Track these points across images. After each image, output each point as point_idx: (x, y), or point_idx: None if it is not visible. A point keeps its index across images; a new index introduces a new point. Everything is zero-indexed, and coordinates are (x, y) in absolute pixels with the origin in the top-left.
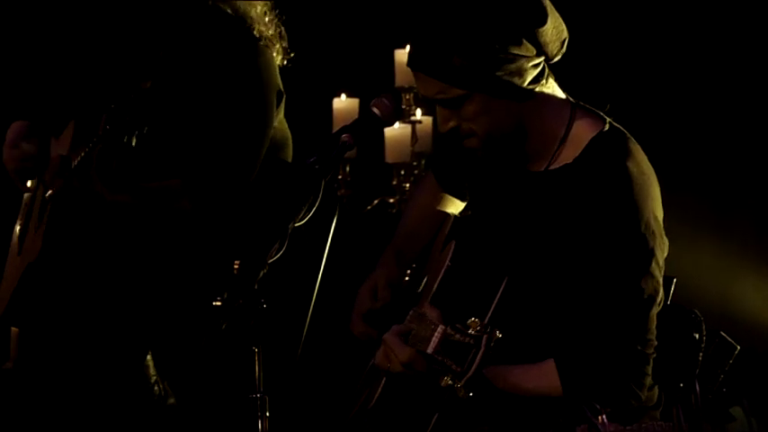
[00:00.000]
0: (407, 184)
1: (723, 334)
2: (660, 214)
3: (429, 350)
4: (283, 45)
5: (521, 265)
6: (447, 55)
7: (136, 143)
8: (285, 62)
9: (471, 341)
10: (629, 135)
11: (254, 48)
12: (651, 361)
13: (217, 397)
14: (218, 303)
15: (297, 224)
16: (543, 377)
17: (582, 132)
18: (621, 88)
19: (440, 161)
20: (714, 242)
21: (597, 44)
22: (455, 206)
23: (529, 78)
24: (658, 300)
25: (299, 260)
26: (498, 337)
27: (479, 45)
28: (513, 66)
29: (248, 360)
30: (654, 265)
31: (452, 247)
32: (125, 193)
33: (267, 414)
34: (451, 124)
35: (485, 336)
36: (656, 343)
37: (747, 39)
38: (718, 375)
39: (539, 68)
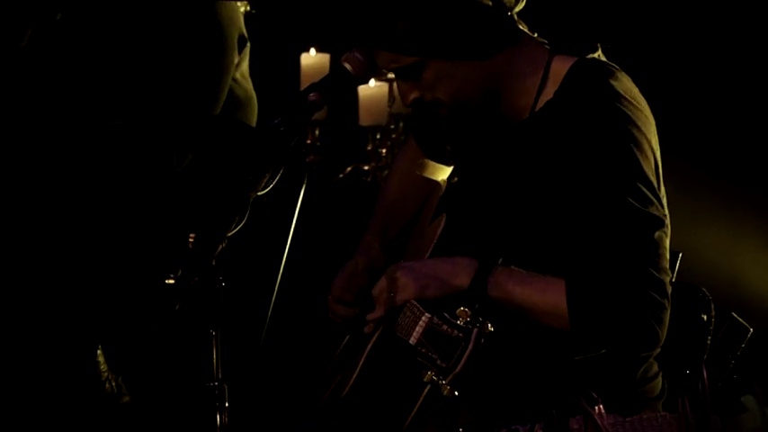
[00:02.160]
0: (384, 150)
1: (734, 315)
2: (656, 146)
3: (412, 340)
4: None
5: (516, 238)
6: (388, 20)
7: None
8: (249, 8)
9: (460, 334)
10: (614, 64)
11: None
12: (668, 294)
13: (171, 386)
14: (171, 281)
15: (259, 193)
16: (553, 288)
17: (560, 68)
18: (628, 63)
19: (418, 124)
20: (725, 213)
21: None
22: (442, 172)
23: (488, 34)
24: (663, 221)
25: (262, 234)
26: (490, 331)
27: (423, 4)
28: (466, 23)
29: (205, 345)
30: (647, 182)
31: (443, 220)
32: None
33: (226, 404)
34: (413, 96)
35: (475, 329)
36: (670, 274)
37: (754, 20)
38: (729, 361)
39: (500, 20)
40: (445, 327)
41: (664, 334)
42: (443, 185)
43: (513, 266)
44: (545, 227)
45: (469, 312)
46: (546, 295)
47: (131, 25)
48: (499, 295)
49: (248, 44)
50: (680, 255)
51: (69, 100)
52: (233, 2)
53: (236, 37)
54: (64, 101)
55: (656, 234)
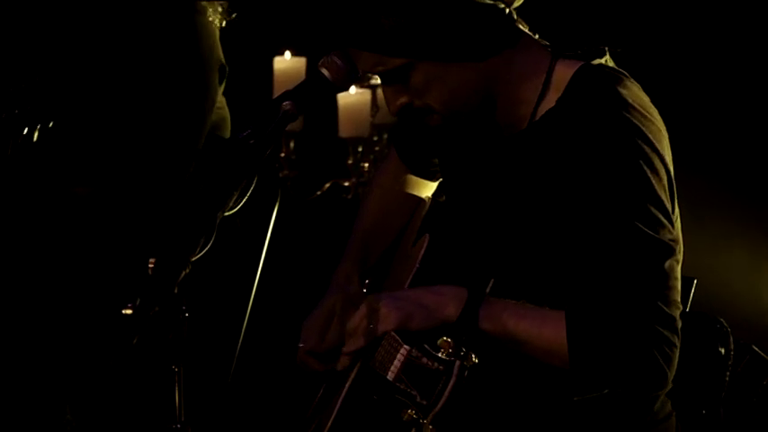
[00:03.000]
0: (366, 164)
1: (755, 348)
2: (669, 161)
3: (390, 376)
4: (223, 5)
5: (509, 263)
6: (372, 17)
7: (38, 137)
8: (226, 21)
9: (441, 367)
10: (623, 71)
11: (192, 8)
12: (678, 330)
13: (129, 429)
14: (128, 312)
15: (227, 213)
16: (551, 322)
17: (564, 73)
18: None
19: (402, 135)
20: (745, 234)
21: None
22: (427, 188)
23: (484, 33)
24: (674, 248)
25: (230, 258)
26: (474, 363)
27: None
28: (459, 20)
29: (167, 383)
30: (658, 204)
31: (425, 242)
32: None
33: None
34: (402, 101)
35: (457, 362)
36: (681, 307)
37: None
38: (750, 399)
39: (497, 18)
40: (425, 359)
41: (672, 373)
42: (428, 202)
43: (507, 299)
44: (541, 252)
45: (452, 343)
46: (543, 329)
47: (108, 68)
48: (491, 328)
49: (227, 71)
50: (694, 281)
51: (35, 163)
52: (211, 22)
53: (217, 69)
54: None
55: (667, 263)
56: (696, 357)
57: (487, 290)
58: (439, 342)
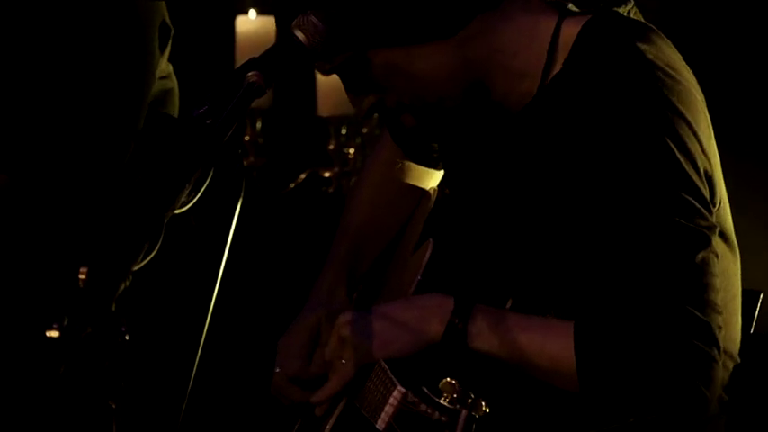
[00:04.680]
0: (351, 150)
1: None
2: (705, 130)
3: (380, 425)
4: None
5: (528, 266)
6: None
7: None
8: None
9: (443, 418)
10: (648, 24)
11: None
12: (717, 339)
13: None
14: (54, 334)
15: (177, 212)
16: (555, 334)
17: (573, 31)
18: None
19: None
20: None
21: None
22: (431, 178)
23: (454, 2)
24: (709, 237)
25: (183, 267)
26: (485, 413)
27: None
28: None
29: (101, 422)
30: (687, 184)
31: (429, 248)
32: None
33: None
34: (369, 101)
35: (463, 411)
36: (721, 311)
37: None
38: None
39: None
40: (423, 407)
41: (714, 394)
42: (433, 196)
43: (504, 309)
44: (565, 255)
45: (457, 386)
46: (546, 343)
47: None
48: (483, 347)
49: (172, 32)
50: (761, 295)
51: None
52: None
53: (158, 29)
54: None
55: (700, 255)
56: (762, 390)
57: (506, 308)
58: (441, 385)
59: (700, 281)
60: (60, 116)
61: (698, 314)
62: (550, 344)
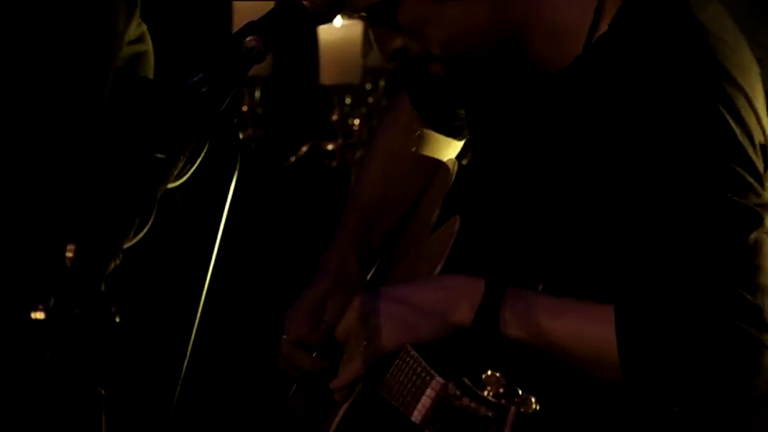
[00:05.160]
0: (356, 121)
1: None
2: (761, 99)
3: (416, 417)
4: None
5: (564, 246)
6: None
7: None
8: None
9: (490, 413)
10: None
11: None
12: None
13: None
14: (40, 316)
15: (170, 186)
16: (596, 319)
17: None
18: None
19: (417, 75)
20: None
21: None
22: (450, 148)
23: None
24: (762, 216)
25: (175, 245)
26: (535, 410)
27: None
28: None
29: (89, 409)
30: (741, 158)
31: (456, 226)
32: None
33: None
34: (394, 46)
35: (512, 407)
36: None
37: None
38: None
39: None
40: (466, 400)
41: (763, 382)
42: (453, 169)
43: (537, 292)
44: (604, 234)
45: (502, 380)
46: (586, 329)
47: None
48: (516, 333)
49: None
50: None
51: None
52: None
53: None
54: None
55: (753, 236)
56: None
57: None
58: (485, 377)
59: (751, 262)
60: (17, 85)
61: (748, 297)
62: (590, 330)
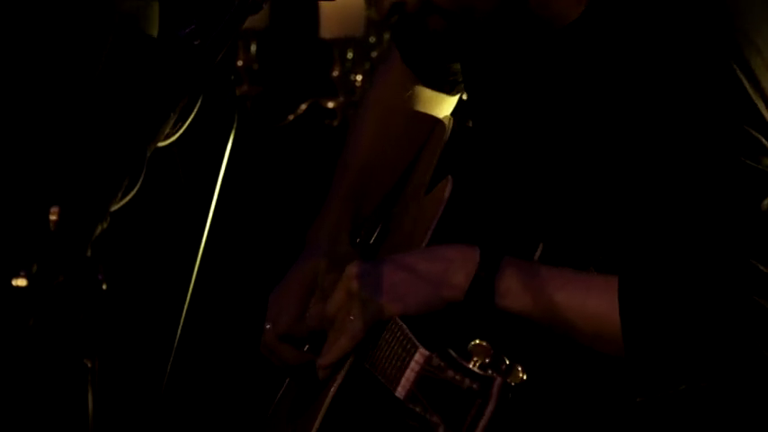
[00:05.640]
0: (359, 77)
1: None
2: None
3: (399, 392)
4: None
5: (564, 209)
6: None
7: None
8: None
9: (474, 385)
10: None
11: None
12: None
13: None
14: (21, 283)
15: (162, 144)
16: (598, 290)
17: None
18: None
19: (410, 32)
20: None
21: None
22: (445, 105)
23: None
24: None
25: (167, 207)
26: (522, 380)
27: None
28: None
29: (75, 383)
30: (753, 117)
31: (448, 187)
32: None
33: None
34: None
35: (497, 378)
36: None
37: None
38: None
39: None
40: (451, 372)
41: None
42: (449, 126)
43: (536, 262)
44: (605, 192)
45: (489, 349)
46: (588, 301)
47: None
48: (513, 305)
49: None
50: None
51: None
52: None
53: None
54: None
55: (766, 202)
56: None
57: (535, 257)
58: (470, 347)
59: (764, 231)
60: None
61: (761, 268)
62: (591, 302)
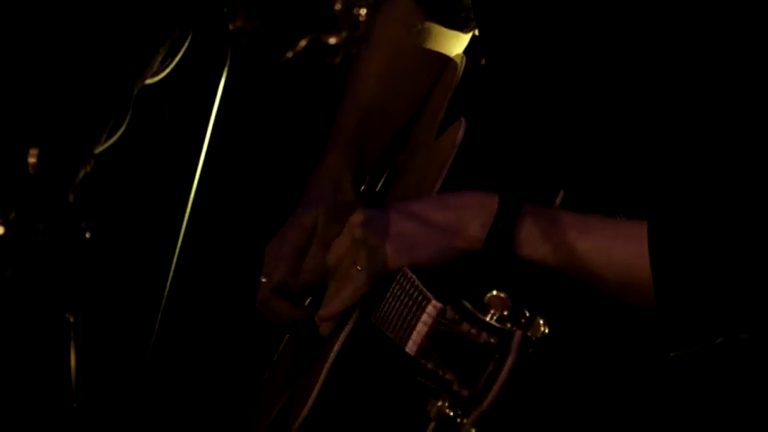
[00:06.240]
0: (363, 11)
1: None
2: None
3: (410, 348)
4: None
5: (588, 153)
6: None
7: None
8: None
9: (492, 340)
10: None
11: None
12: None
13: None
14: None
15: (149, 81)
16: (625, 237)
17: None
18: None
19: None
20: None
21: None
22: (458, 43)
23: None
24: None
25: (156, 151)
26: (543, 334)
27: None
28: None
29: (57, 339)
30: None
31: (461, 130)
32: None
33: None
34: None
35: (518, 331)
36: None
37: None
38: None
39: None
40: (466, 326)
41: None
42: (461, 64)
43: (557, 208)
44: (632, 132)
45: (507, 300)
46: (614, 248)
47: None
48: (534, 255)
49: None
50: None
51: None
52: None
53: None
54: None
55: None
56: None
57: (556, 203)
58: (487, 298)
59: None
60: None
61: None
62: (618, 249)
